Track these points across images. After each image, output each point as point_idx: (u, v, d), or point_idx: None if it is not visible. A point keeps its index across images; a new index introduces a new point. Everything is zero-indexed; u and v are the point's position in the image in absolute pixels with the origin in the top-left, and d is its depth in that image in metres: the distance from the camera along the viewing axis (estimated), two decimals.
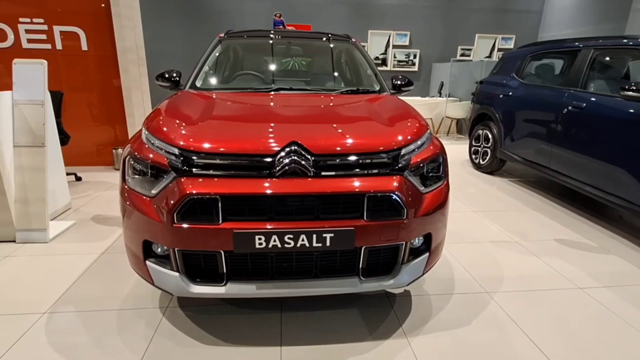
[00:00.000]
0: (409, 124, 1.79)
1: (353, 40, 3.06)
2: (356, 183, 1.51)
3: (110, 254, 2.46)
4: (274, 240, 1.46)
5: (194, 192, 1.43)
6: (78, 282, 2.13)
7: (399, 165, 1.60)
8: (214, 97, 2.13)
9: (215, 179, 1.47)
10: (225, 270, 1.55)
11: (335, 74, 2.91)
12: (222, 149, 1.51)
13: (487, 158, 4.60)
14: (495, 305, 2.01)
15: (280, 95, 2.28)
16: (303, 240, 1.47)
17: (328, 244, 1.49)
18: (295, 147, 1.53)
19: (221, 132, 1.62)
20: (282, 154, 1.51)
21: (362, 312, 1.91)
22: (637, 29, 6.04)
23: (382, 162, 1.59)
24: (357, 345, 1.69)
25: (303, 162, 1.51)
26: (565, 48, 3.69)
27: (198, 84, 2.48)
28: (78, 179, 4.04)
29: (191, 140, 1.54)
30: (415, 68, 9.18)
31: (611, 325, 1.88)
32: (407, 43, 8.88)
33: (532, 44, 4.29)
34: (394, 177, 1.57)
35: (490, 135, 4.49)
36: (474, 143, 4.92)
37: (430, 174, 1.73)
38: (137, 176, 1.63)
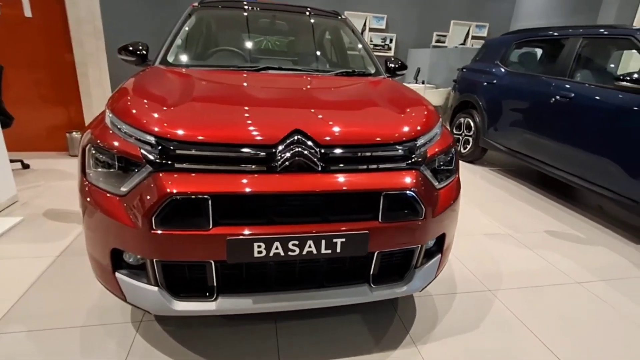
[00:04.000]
0: (420, 112, 1.59)
1: (343, 17, 2.80)
2: (371, 179, 1.30)
3: (67, 256, 2.12)
4: (276, 248, 1.23)
5: (177, 191, 1.16)
6: (29, 293, 1.79)
7: (416, 159, 1.41)
8: (192, 75, 1.82)
9: (204, 175, 1.21)
10: (215, 283, 1.30)
11: (326, 53, 2.66)
12: (211, 138, 1.23)
13: (469, 147, 4.55)
14: (499, 304, 1.92)
15: (269, 76, 2.00)
16: (310, 247, 1.25)
17: (338, 250, 1.28)
18: (299, 137, 1.29)
19: (208, 116, 1.34)
20: (284, 144, 1.27)
21: (365, 317, 1.74)
22: (608, 21, 6.20)
23: (397, 154, 1.38)
24: (365, 358, 1.52)
25: (309, 155, 1.28)
26: (552, 36, 3.64)
27: (170, 59, 2.13)
28: (25, 166, 3.53)
29: (172, 126, 1.26)
30: (392, 53, 9.01)
31: (615, 323, 1.84)
32: (383, 27, 8.68)
33: (517, 32, 4.23)
34: (411, 172, 1.38)
35: (472, 124, 4.44)
36: (455, 131, 4.86)
37: (443, 168, 1.56)
38: (100, 169, 1.32)
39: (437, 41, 8.99)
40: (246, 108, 1.42)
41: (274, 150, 1.26)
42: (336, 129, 1.35)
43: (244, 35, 2.58)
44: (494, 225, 2.87)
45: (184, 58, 2.27)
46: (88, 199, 1.31)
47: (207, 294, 1.31)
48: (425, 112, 1.59)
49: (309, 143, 1.29)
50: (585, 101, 2.96)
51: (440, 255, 1.58)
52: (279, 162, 1.25)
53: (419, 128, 1.46)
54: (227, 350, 1.51)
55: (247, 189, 1.19)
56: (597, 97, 2.87)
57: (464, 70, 4.80)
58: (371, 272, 1.42)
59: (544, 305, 1.93)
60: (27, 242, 2.24)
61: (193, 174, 1.21)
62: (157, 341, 1.54)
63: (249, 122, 1.32)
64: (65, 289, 1.83)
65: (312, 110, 1.47)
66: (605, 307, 1.95)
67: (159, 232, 1.18)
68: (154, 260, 1.24)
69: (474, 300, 1.94)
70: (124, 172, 1.27)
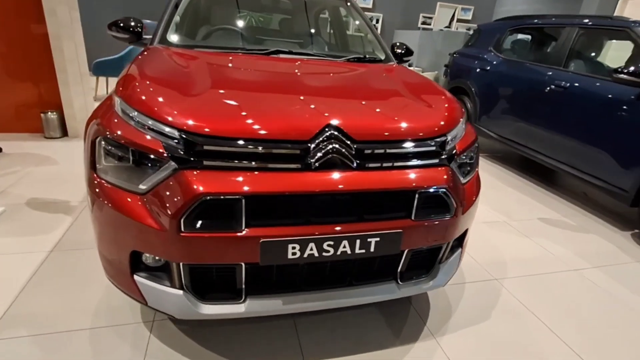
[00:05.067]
0: (448, 104, 1.55)
1: None
2: (407, 177, 1.26)
3: (61, 250, 1.97)
4: (311, 249, 1.18)
5: (209, 191, 1.07)
6: (25, 292, 1.66)
7: (447, 154, 1.38)
8: (202, 58, 1.68)
9: (235, 173, 1.12)
10: (243, 285, 1.24)
11: (335, 36, 2.54)
12: (242, 133, 1.14)
13: None
14: (507, 293, 1.97)
15: (283, 61, 1.88)
16: (344, 247, 1.21)
17: (372, 249, 1.25)
18: (334, 131, 1.22)
19: (236, 108, 1.23)
20: (318, 140, 1.20)
21: (382, 311, 1.74)
22: (590, 8, 6.34)
23: (430, 150, 1.35)
24: (388, 352, 1.52)
25: (344, 151, 1.21)
26: (548, 25, 3.66)
27: (171, 38, 1.96)
28: None
29: (198, 119, 1.15)
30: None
31: (613, 308, 1.94)
32: (370, 6, 8.49)
33: (512, 18, 4.23)
34: (443, 168, 1.35)
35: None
36: None
37: (467, 162, 1.54)
38: (114, 164, 1.21)
39: (423, 23, 8.92)
40: (273, 99, 1.33)
41: (308, 146, 1.19)
42: (371, 123, 1.29)
43: (247, 14, 2.41)
44: (490, 212, 2.93)
45: (186, 38, 2.10)
46: (101, 197, 1.20)
47: (235, 296, 1.25)
48: (453, 105, 1.55)
49: (344, 138, 1.22)
50: (580, 91, 3.02)
51: (460, 249, 1.59)
52: (314, 159, 1.18)
53: (449, 122, 1.42)
54: (248, 349, 1.47)
55: (284, 189, 1.12)
56: (592, 88, 2.94)
57: (456, 55, 4.78)
58: (399, 269, 1.40)
59: (547, 293, 2.01)
60: (13, 236, 2.07)
61: (223, 172, 1.12)
62: (174, 341, 1.47)
63: (281, 114, 1.23)
64: (64, 287, 1.71)
65: (342, 102, 1.39)
66: (602, 293, 2.05)
67: (189, 234, 1.09)
68: (181, 263, 1.16)
69: (482, 289, 1.98)
70: (143, 167, 1.17)
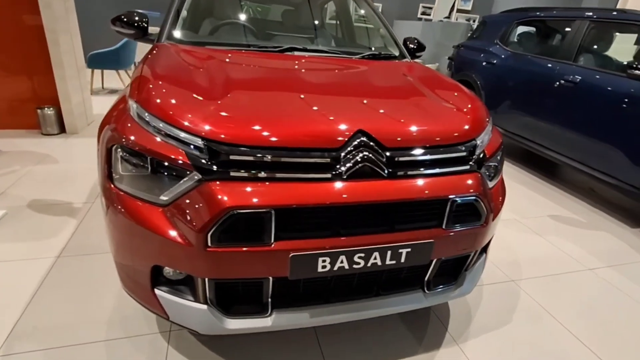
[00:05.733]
0: (474, 106, 1.49)
1: None
2: (440, 185, 1.21)
3: (68, 256, 1.91)
4: (341, 262, 1.13)
5: (238, 204, 1.01)
6: (34, 302, 1.60)
7: (476, 159, 1.33)
8: (216, 57, 1.60)
9: (264, 184, 1.06)
10: (270, 298, 1.19)
11: (346, 31, 2.45)
12: (271, 141, 1.08)
13: None
14: (524, 295, 1.95)
15: (300, 59, 1.80)
16: (375, 258, 1.16)
17: (403, 260, 1.20)
18: (364, 138, 1.16)
19: (262, 114, 1.16)
20: (349, 147, 1.14)
21: (403, 318, 1.70)
22: (593, 0, 6.27)
23: (461, 156, 1.29)
24: None
25: (375, 159, 1.15)
26: (557, 18, 3.59)
27: (181, 35, 1.87)
28: None
29: (224, 127, 1.08)
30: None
31: (629, 308, 1.93)
32: None
33: (518, 10, 4.15)
34: (474, 175, 1.29)
35: None
36: None
37: (494, 166, 1.49)
38: (133, 174, 1.14)
39: (423, 13, 8.79)
40: (298, 103, 1.26)
41: (338, 154, 1.13)
42: (402, 129, 1.22)
43: (255, 6, 2.31)
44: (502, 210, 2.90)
45: (195, 34, 2.01)
46: (118, 207, 1.13)
47: (261, 309, 1.20)
48: (480, 107, 1.49)
49: (375, 146, 1.16)
50: (592, 87, 2.98)
51: (485, 254, 1.55)
52: (345, 168, 1.12)
53: (478, 125, 1.37)
54: None
55: (316, 200, 1.06)
56: (605, 83, 2.89)
57: (461, 47, 4.70)
58: (426, 278, 1.36)
59: (564, 294, 1.99)
60: (16, 241, 1.99)
61: (251, 183, 1.05)
62: (193, 353, 1.43)
63: (309, 121, 1.16)
64: (74, 296, 1.65)
65: (370, 107, 1.33)
66: (617, 293, 2.04)
67: (215, 249, 1.04)
68: (206, 278, 1.10)
69: (499, 291, 1.96)
70: (164, 177, 1.10)
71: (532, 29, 4.12)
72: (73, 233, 2.10)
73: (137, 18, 1.93)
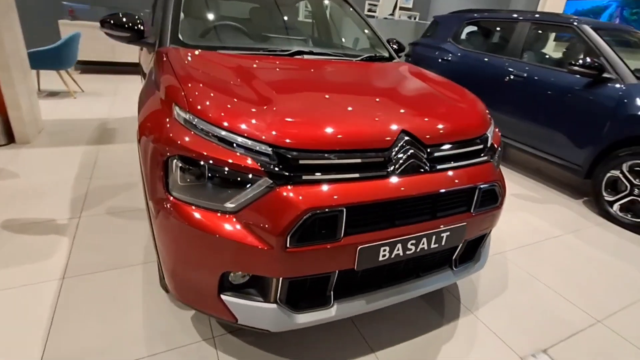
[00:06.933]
0: (477, 103, 1.70)
1: None
2: (471, 174, 1.38)
3: (75, 277, 1.79)
4: (397, 249, 1.26)
5: (315, 205, 1.08)
6: (55, 331, 1.49)
7: (489, 150, 1.53)
8: (243, 62, 1.62)
9: (332, 185, 1.14)
10: (332, 290, 1.28)
11: (337, 33, 2.55)
12: (335, 143, 1.16)
13: None
14: (512, 264, 2.25)
15: (313, 63, 1.86)
16: (423, 244, 1.31)
17: (444, 243, 1.36)
18: (408, 137, 1.29)
19: (318, 117, 1.24)
20: (397, 146, 1.26)
21: (422, 296, 1.88)
22: (519, 4, 7.06)
23: (479, 148, 1.48)
24: (440, 331, 1.67)
25: (419, 155, 1.29)
26: (503, 19, 4.03)
27: (186, 39, 1.83)
28: None
29: (290, 132, 1.14)
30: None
31: (595, 267, 2.32)
32: None
33: (467, 11, 4.56)
34: (490, 164, 1.50)
35: None
36: None
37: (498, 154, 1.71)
38: (194, 183, 1.15)
39: (369, 10, 9.12)
40: (342, 105, 1.35)
41: (390, 153, 1.24)
42: (435, 127, 1.37)
43: (248, 10, 2.31)
44: None
45: (199, 38, 1.96)
46: (181, 219, 1.13)
47: (324, 301, 1.28)
48: (482, 104, 1.70)
49: (417, 143, 1.30)
50: (539, 81, 3.42)
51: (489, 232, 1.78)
52: (397, 166, 1.24)
53: (487, 119, 1.57)
54: (321, 351, 1.51)
55: (379, 196, 1.17)
56: (549, 78, 3.34)
57: (417, 45, 5.04)
58: (454, 257, 1.54)
59: (541, 260, 2.33)
60: (8, 267, 1.81)
61: (322, 185, 1.13)
62: (243, 354, 1.46)
63: (362, 123, 1.26)
64: (97, 317, 1.57)
65: (402, 107, 1.46)
66: (580, 254, 2.43)
67: (293, 249, 1.10)
68: (280, 278, 1.16)
69: (492, 264, 2.23)
70: (231, 185, 1.13)
71: (480, 28, 4.56)
72: (70, 252, 1.96)
73: (132, 20, 1.84)
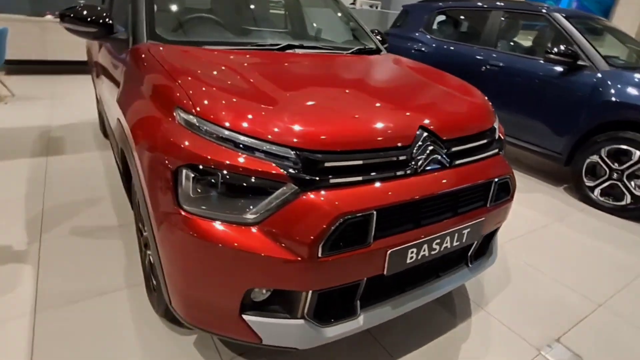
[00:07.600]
0: (477, 94, 1.79)
1: None
2: (487, 168, 1.45)
3: (48, 309, 1.64)
4: (424, 250, 1.29)
5: (347, 210, 1.08)
6: None
7: (498, 142, 1.61)
8: (237, 59, 1.58)
9: (360, 187, 1.15)
10: (359, 300, 1.28)
11: (320, 24, 2.55)
12: (359, 143, 1.17)
13: None
14: (511, 255, 2.38)
15: (309, 57, 1.85)
16: (447, 242, 1.35)
17: (464, 240, 1.41)
18: (427, 133, 1.32)
19: (337, 117, 1.23)
20: (418, 142, 1.29)
21: None
22: None
23: (489, 141, 1.56)
24: (456, 331, 1.74)
25: (439, 151, 1.33)
26: (475, 7, 4.24)
27: (165, 35, 1.74)
28: None
29: (313, 134, 1.13)
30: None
31: (586, 252, 2.51)
32: None
33: (436, 0, 4.75)
34: (499, 157, 1.58)
35: None
36: None
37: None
38: (208, 194, 1.10)
39: None
40: (356, 103, 1.36)
41: (411, 150, 1.27)
42: (450, 122, 1.42)
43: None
44: None
45: (179, 32, 1.88)
46: (196, 235, 1.09)
47: (351, 312, 1.28)
48: (485, 97, 1.78)
49: (435, 139, 1.34)
50: (515, 69, 3.64)
51: None
52: (419, 163, 1.27)
53: (492, 111, 1.65)
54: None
55: (408, 196, 1.19)
56: (526, 66, 3.57)
57: (389, 35, 5.16)
58: (469, 254, 1.61)
59: (535, 249, 2.49)
60: None
61: (350, 188, 1.13)
62: None
63: (381, 121, 1.27)
64: (86, 353, 1.46)
65: (414, 102, 1.49)
66: (570, 240, 2.63)
67: (325, 258, 1.09)
68: (310, 291, 1.14)
69: None
70: (248, 194, 1.10)
71: (451, 17, 4.77)
72: (37, 281, 1.80)
73: (97, 13, 1.72)
